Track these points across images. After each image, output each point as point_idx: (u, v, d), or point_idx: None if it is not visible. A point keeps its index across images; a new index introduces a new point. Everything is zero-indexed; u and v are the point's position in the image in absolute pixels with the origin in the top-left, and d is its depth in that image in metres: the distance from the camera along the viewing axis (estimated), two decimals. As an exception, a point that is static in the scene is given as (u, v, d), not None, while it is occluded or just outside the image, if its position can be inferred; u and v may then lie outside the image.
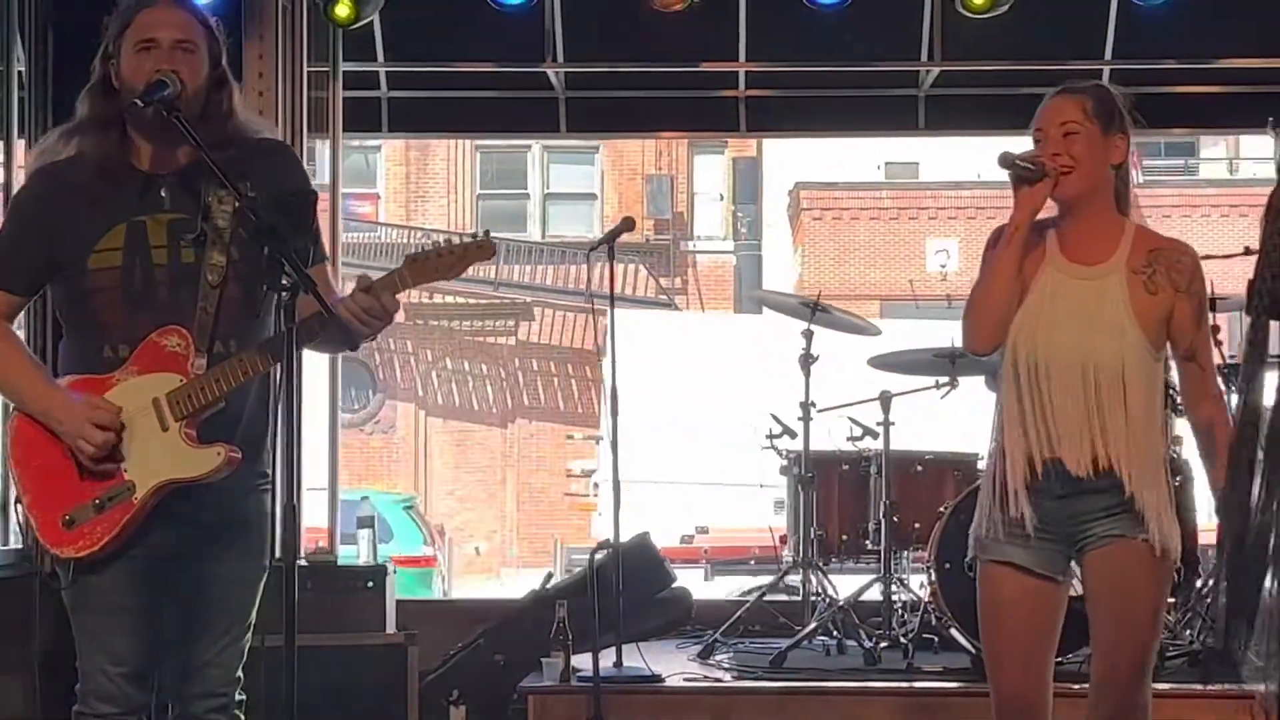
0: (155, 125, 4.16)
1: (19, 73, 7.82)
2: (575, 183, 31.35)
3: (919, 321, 21.97)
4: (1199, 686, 6.98)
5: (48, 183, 4.30)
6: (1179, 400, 4.81)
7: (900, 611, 8.00)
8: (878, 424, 8.11)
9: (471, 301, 29.53)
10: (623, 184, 30.92)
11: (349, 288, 4.38)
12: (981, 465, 8.03)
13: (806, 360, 8.32)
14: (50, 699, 4.92)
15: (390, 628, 7.44)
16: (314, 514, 8.27)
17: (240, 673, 4.35)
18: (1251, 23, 9.74)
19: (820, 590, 8.13)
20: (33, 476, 4.21)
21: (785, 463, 8.43)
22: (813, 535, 8.12)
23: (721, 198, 31.66)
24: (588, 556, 7.36)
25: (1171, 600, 6.58)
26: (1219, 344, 7.44)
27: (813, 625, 7.83)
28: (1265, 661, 3.43)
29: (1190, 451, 5.41)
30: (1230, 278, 6.91)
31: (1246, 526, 3.30)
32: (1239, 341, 7.75)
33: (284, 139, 6.98)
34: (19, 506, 4.28)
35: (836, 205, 30.93)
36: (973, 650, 7.17)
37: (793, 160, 31.21)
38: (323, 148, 9.57)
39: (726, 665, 7.55)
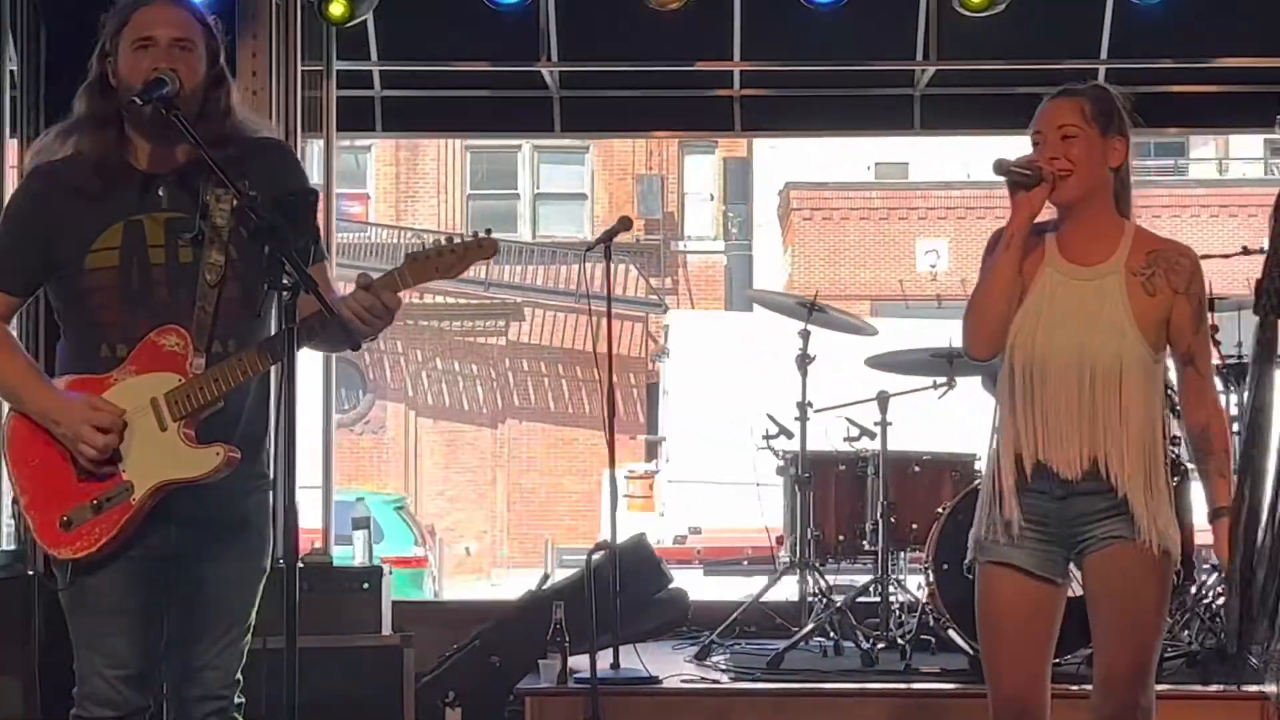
0: (154, 124, 4.13)
1: (10, 72, 7.79)
2: (566, 183, 31.33)
3: (913, 320, 21.98)
4: (1198, 687, 7.00)
5: (44, 182, 4.27)
6: (1177, 401, 4.78)
7: (898, 612, 7.98)
8: (875, 424, 8.09)
9: (462, 302, 29.50)
10: (613, 184, 30.91)
11: (342, 288, 4.35)
12: (979, 466, 8.04)
13: (803, 360, 8.30)
14: (49, 701, 4.90)
15: (386, 629, 7.41)
16: (308, 514, 8.21)
17: (239, 675, 4.32)
18: (1248, 22, 9.76)
19: (818, 591, 8.10)
20: (30, 477, 4.18)
21: (782, 463, 8.41)
22: (809, 536, 8.10)
23: (712, 198, 31.65)
24: (579, 556, 7.34)
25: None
26: (1217, 344, 7.45)
27: (810, 626, 7.81)
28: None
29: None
30: (1223, 276, 6.92)
31: (1259, 528, 3.28)
32: (1237, 341, 7.80)
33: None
34: (15, 507, 4.25)
35: (827, 205, 30.93)
36: (970, 651, 7.16)
37: (783, 160, 31.21)
38: (313, 147, 9.53)
39: (723, 666, 7.53)
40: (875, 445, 8.11)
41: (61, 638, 4.28)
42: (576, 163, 31.13)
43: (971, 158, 28.78)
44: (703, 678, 7.30)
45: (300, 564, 7.00)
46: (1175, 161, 30.99)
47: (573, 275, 29.70)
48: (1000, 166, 4.54)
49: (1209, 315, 5.23)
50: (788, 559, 8.31)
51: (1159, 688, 4.68)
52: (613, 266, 7.16)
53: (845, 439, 8.37)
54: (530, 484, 30.32)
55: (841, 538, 8.21)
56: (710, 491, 19.13)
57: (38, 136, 4.52)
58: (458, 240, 4.20)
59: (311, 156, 9.80)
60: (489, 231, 4.29)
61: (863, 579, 8.28)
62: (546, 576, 8.08)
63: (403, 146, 29.88)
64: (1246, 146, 32.10)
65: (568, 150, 30.76)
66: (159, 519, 4.14)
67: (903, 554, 8.21)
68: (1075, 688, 6.33)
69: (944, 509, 7.51)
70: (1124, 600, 4.50)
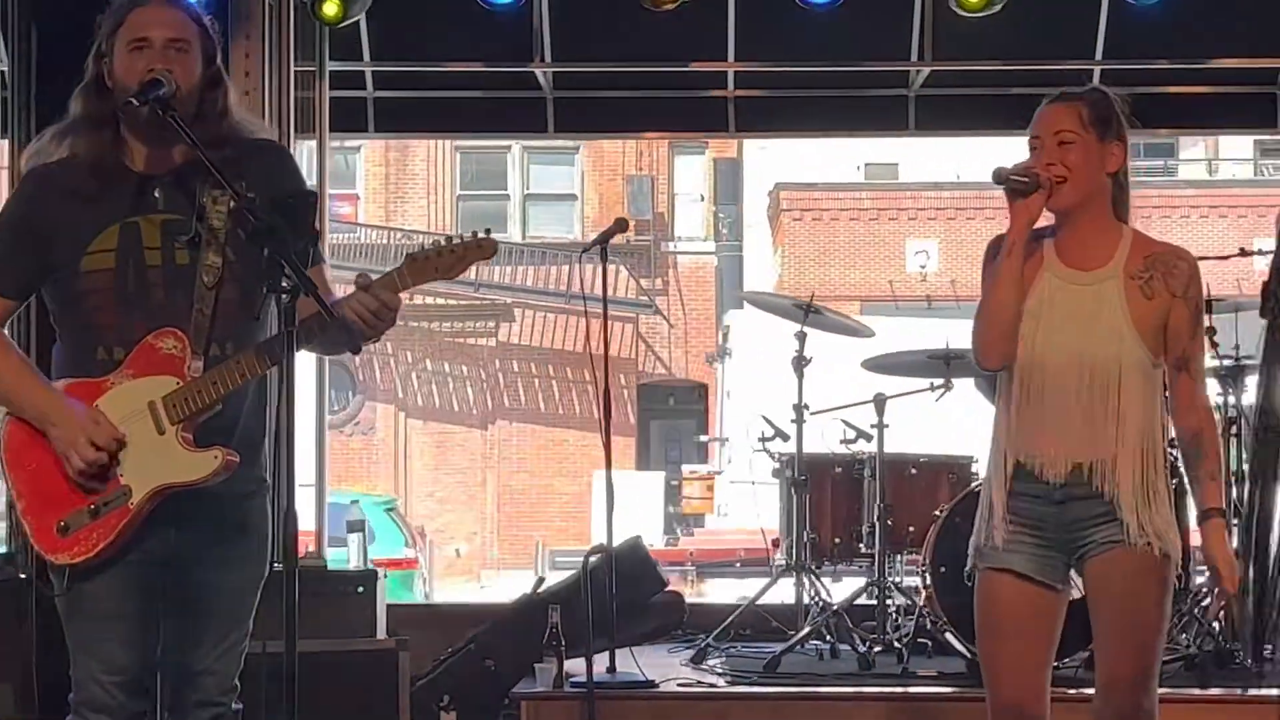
0: (150, 125, 4.11)
1: (1, 72, 7.74)
2: (555, 183, 31.32)
3: (903, 319, 21.97)
4: (1196, 691, 6.99)
5: (40, 185, 4.24)
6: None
7: (894, 616, 7.96)
8: (871, 426, 8.07)
9: (452, 302, 29.48)
10: (603, 184, 30.89)
11: (339, 290, 4.32)
12: (976, 468, 8.02)
13: (799, 362, 8.28)
14: (45, 706, 4.87)
15: (381, 633, 7.37)
16: (301, 517, 8.15)
17: (237, 681, 4.29)
18: (1243, 23, 9.75)
19: (814, 594, 8.08)
20: (26, 481, 4.15)
21: (778, 465, 8.38)
22: (806, 539, 8.07)
23: (702, 198, 31.65)
24: (571, 558, 7.32)
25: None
26: (1215, 345, 7.44)
27: (806, 630, 7.79)
28: None
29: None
30: (1218, 277, 6.90)
31: (1270, 535, 3.27)
32: (1234, 343, 7.79)
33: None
34: (11, 513, 4.21)
35: (816, 206, 30.94)
36: (968, 655, 7.14)
37: (773, 161, 31.20)
38: (303, 148, 9.49)
39: (720, 670, 7.52)
40: (872, 448, 8.08)
41: (58, 642, 4.24)
42: (566, 163, 31.12)
43: (961, 159, 28.80)
44: (699, 681, 7.29)
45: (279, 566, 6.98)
46: (1165, 162, 31.04)
47: (563, 276, 29.68)
48: (999, 175, 4.53)
49: (1206, 317, 5.23)
50: (784, 562, 8.28)
51: (1158, 691, 4.66)
52: (608, 267, 7.12)
53: (842, 441, 8.35)
54: (520, 485, 30.31)
55: (838, 540, 8.19)
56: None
57: (30, 137, 4.49)
58: (457, 240, 4.17)
59: (303, 157, 9.76)
60: (488, 231, 4.26)
61: (859, 582, 8.27)
62: (541, 580, 8.05)
63: (392, 147, 29.87)
64: (1236, 147, 32.14)
65: (558, 151, 30.75)
66: (157, 523, 4.11)
67: (899, 557, 8.18)
68: (1074, 691, 6.32)
69: (941, 512, 7.49)
70: (1125, 604, 4.48)
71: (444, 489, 30.36)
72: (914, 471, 8.09)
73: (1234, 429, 7.79)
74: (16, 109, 7.67)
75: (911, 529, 7.92)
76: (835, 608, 7.92)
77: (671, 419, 31.20)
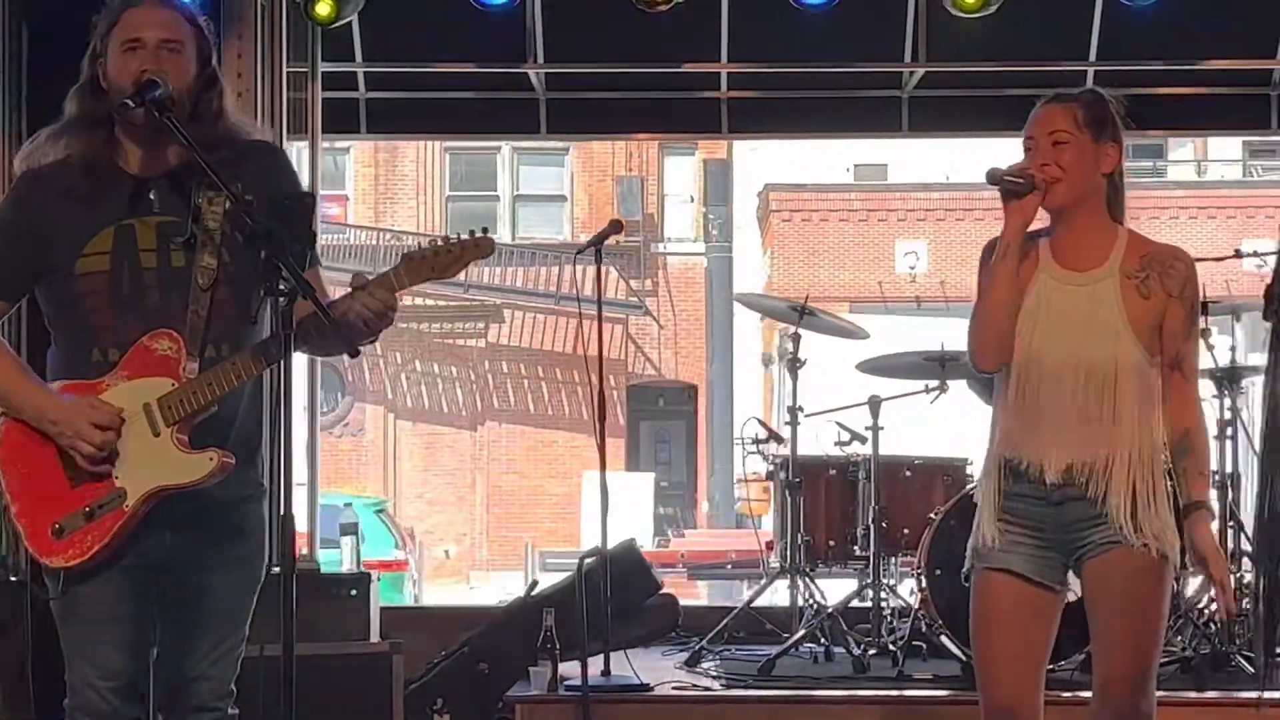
0: (145, 126, 4.08)
1: (-8, 74, 7.71)
2: (545, 184, 31.29)
3: (896, 319, 22.00)
4: (1192, 694, 6.98)
5: (34, 186, 4.22)
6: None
7: (889, 618, 7.94)
8: (866, 428, 8.05)
9: (441, 303, 29.43)
10: (593, 185, 30.87)
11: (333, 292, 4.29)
12: (970, 471, 8.01)
13: (794, 364, 8.25)
14: (40, 711, 4.85)
15: (374, 636, 7.35)
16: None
17: (233, 686, 4.26)
18: (1237, 24, 9.75)
19: (808, 597, 8.06)
20: (21, 484, 4.12)
21: (772, 468, 8.37)
22: (800, 541, 8.05)
23: (692, 199, 31.63)
24: (561, 560, 7.30)
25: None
26: (1210, 347, 7.43)
27: (802, 632, 7.77)
28: None
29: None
30: (1213, 279, 6.88)
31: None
32: (1230, 345, 7.78)
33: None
34: (5, 515, 4.18)
35: (805, 207, 30.94)
36: (963, 658, 7.13)
37: (763, 162, 31.20)
38: (295, 148, 9.46)
39: (714, 673, 7.50)
40: (866, 450, 8.06)
41: (52, 645, 4.22)
42: (556, 164, 31.09)
43: (950, 159, 28.82)
44: (694, 684, 7.27)
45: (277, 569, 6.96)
46: (1154, 164, 31.06)
47: (552, 277, 29.66)
48: (993, 176, 4.52)
49: (1201, 319, 5.21)
50: (778, 564, 8.26)
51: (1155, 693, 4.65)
52: (594, 268, 7.10)
53: (836, 443, 8.33)
54: (510, 486, 30.29)
55: (832, 543, 8.17)
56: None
57: (20, 138, 4.47)
58: (454, 240, 4.15)
59: (295, 159, 9.72)
60: (485, 230, 4.23)
61: (851, 584, 8.26)
62: (535, 583, 8.03)
63: (381, 148, 29.84)
64: (1225, 148, 32.18)
65: (547, 152, 30.73)
66: (153, 526, 4.08)
67: (894, 559, 8.17)
68: (1069, 694, 6.31)
69: (936, 514, 7.48)
70: (1123, 604, 4.47)
71: (433, 490, 30.33)
72: (909, 474, 8.08)
73: (1229, 431, 7.78)
74: (7, 110, 7.64)
75: (906, 531, 7.91)
76: (830, 610, 7.90)
77: (661, 420, 31.19)
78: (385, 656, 7.08)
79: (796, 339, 8.29)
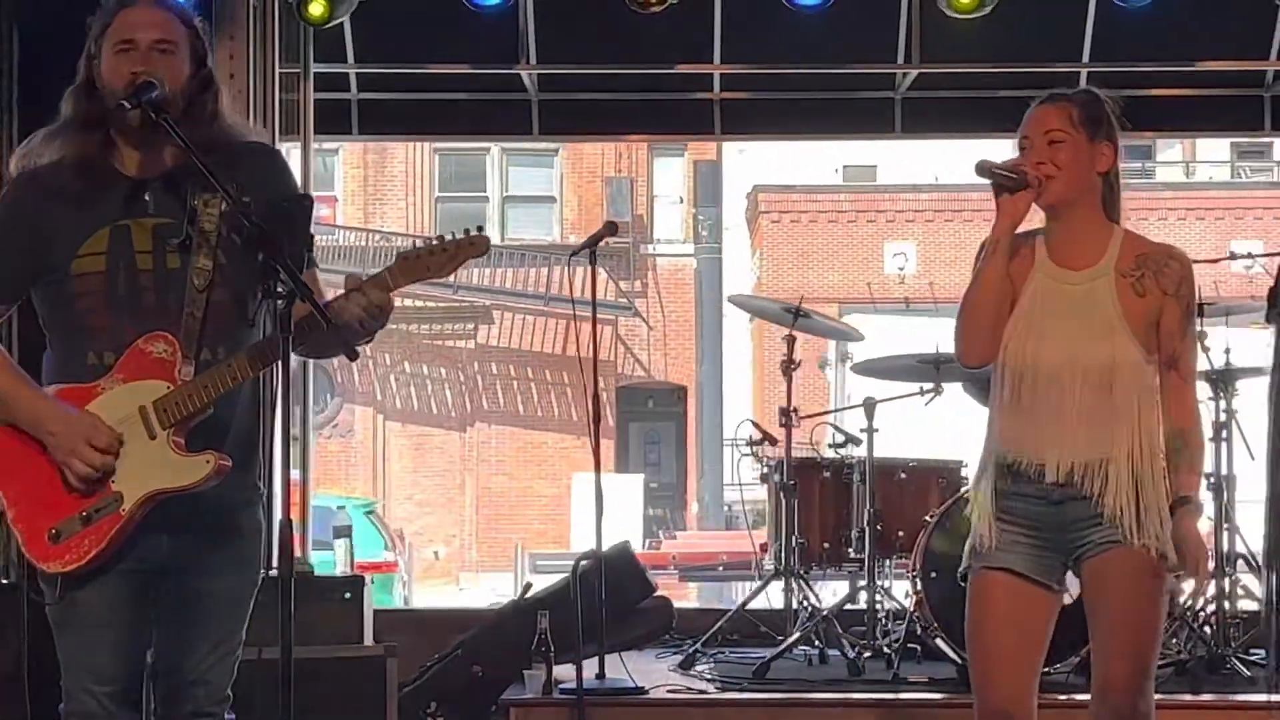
0: (141, 128, 4.06)
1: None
2: (534, 185, 31.26)
3: (885, 320, 22.00)
4: (1188, 696, 6.98)
5: (29, 187, 4.20)
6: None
7: (884, 621, 7.93)
8: (861, 430, 8.04)
9: (430, 304, 29.40)
10: (582, 186, 30.85)
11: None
12: (965, 473, 8.00)
13: (788, 366, 8.24)
14: (35, 716, 4.81)
15: (368, 639, 7.33)
16: (286, 521, 8.10)
17: (230, 691, 4.24)
18: (1231, 25, 9.75)
19: (803, 599, 8.05)
20: (17, 489, 4.10)
21: (766, 469, 8.35)
22: (794, 543, 8.04)
23: (681, 200, 31.61)
24: (552, 561, 7.28)
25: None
26: (1206, 350, 7.42)
27: (796, 635, 7.75)
28: None
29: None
30: (1207, 281, 6.87)
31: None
32: (1225, 347, 7.78)
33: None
34: (1, 520, 4.15)
35: (794, 208, 30.96)
36: (959, 661, 7.13)
37: (752, 163, 31.20)
38: (287, 150, 9.44)
39: (709, 676, 7.49)
40: (861, 452, 8.05)
41: (48, 649, 4.19)
42: (545, 165, 31.06)
43: (939, 161, 28.83)
44: (688, 687, 7.26)
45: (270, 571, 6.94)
46: (1143, 165, 31.08)
47: (541, 278, 29.64)
48: (983, 167, 4.53)
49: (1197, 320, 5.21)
50: (772, 567, 8.25)
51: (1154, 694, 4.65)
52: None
53: (830, 445, 8.32)
54: (499, 488, 30.26)
55: (826, 545, 8.16)
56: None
57: (12, 140, 4.45)
58: (449, 239, 4.13)
59: (287, 160, 9.69)
60: (480, 229, 4.21)
61: (844, 586, 8.24)
62: (529, 585, 8.00)
63: (370, 149, 29.78)
64: (1213, 150, 32.22)
65: (537, 153, 30.69)
66: (150, 529, 4.06)
67: (888, 562, 8.15)
68: (1064, 697, 6.30)
69: (931, 517, 7.47)
70: (1122, 604, 4.46)
71: (422, 491, 30.29)
72: (903, 476, 8.07)
73: (1224, 433, 7.77)
74: (-1, 111, 7.62)
75: (901, 534, 7.90)
76: (825, 613, 7.89)
77: (650, 421, 31.18)
78: (379, 660, 7.05)
79: (791, 341, 8.27)
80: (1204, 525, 4.78)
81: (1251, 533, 7.96)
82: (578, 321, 7.06)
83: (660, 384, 30.97)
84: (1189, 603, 7.51)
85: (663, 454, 31.16)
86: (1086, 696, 4.69)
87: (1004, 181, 4.48)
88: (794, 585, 8.09)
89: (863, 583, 7.94)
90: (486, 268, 29.06)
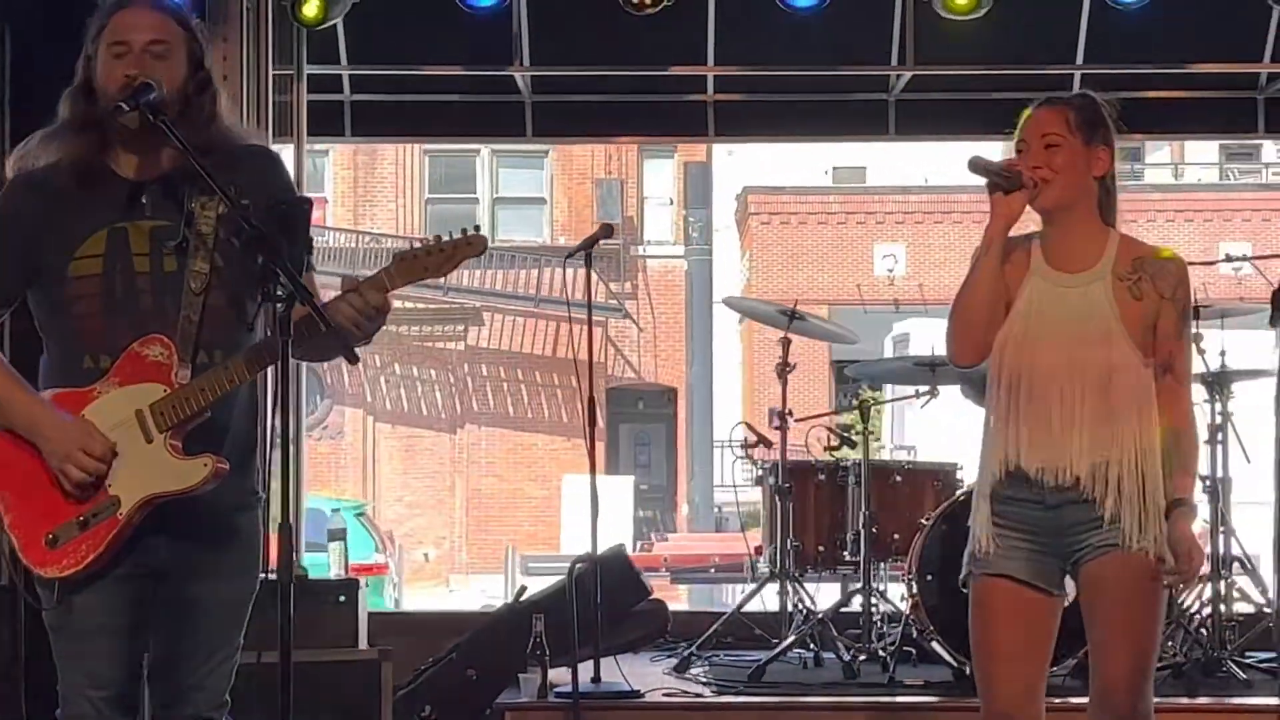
0: (138, 130, 4.04)
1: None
2: (524, 187, 31.23)
3: (873, 318, 21.96)
4: (1184, 700, 6.97)
5: (25, 190, 4.18)
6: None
7: (879, 624, 7.92)
8: (855, 433, 8.03)
9: (420, 306, 29.36)
10: (572, 188, 30.82)
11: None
12: (960, 475, 8.00)
13: (783, 368, 8.22)
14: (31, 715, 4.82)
15: (363, 642, 7.30)
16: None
17: (228, 696, 4.22)
18: (1224, 28, 9.76)
19: (797, 602, 8.04)
20: (13, 494, 4.07)
21: (761, 472, 8.34)
22: (789, 546, 8.03)
23: (671, 202, 31.59)
24: (543, 564, 7.26)
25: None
26: (1201, 352, 7.42)
27: (791, 638, 7.74)
28: None
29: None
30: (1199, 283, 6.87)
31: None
32: (1220, 350, 7.78)
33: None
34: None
35: (784, 210, 30.99)
36: (954, 664, 7.12)
37: (742, 164, 31.21)
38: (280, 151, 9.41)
39: (704, 679, 7.47)
40: (856, 454, 8.04)
41: (44, 651, 4.17)
42: (535, 167, 31.03)
43: (929, 162, 28.85)
44: (684, 691, 7.24)
45: (274, 576, 6.91)
46: (1131, 167, 31.12)
47: (531, 280, 29.62)
48: (977, 165, 4.53)
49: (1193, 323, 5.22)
50: (767, 569, 8.24)
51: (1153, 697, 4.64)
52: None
53: (825, 448, 8.31)
54: (489, 489, 30.22)
55: (821, 548, 8.15)
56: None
57: (4, 141, 4.42)
58: (446, 239, 4.11)
59: (280, 162, 9.67)
60: (477, 228, 4.20)
61: (837, 589, 8.23)
62: (524, 588, 7.98)
63: (360, 150, 29.75)
64: (1201, 152, 32.27)
65: (527, 154, 30.66)
66: (147, 534, 4.04)
67: (884, 564, 8.15)
68: (1059, 700, 6.28)
69: (927, 519, 7.46)
70: (1121, 607, 4.46)
71: (412, 493, 30.26)
72: (898, 479, 8.05)
73: (1219, 436, 7.77)
74: (-11, 111, 7.58)
75: (896, 536, 7.89)
76: (820, 616, 7.87)
77: (641, 423, 31.17)
78: (374, 664, 7.04)
79: (786, 343, 8.26)
80: (1198, 527, 4.76)
81: (1247, 535, 7.97)
82: (573, 324, 7.04)
83: (650, 385, 30.95)
84: (1186, 605, 7.51)
85: (653, 456, 31.15)
86: (1083, 700, 4.69)
87: (998, 180, 4.49)
88: (789, 588, 8.08)
89: (858, 585, 7.92)
90: (476, 269, 29.05)
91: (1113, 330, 4.46)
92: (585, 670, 6.88)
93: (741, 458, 8.51)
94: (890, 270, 30.44)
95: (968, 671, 6.89)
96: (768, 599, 8.27)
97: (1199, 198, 30.76)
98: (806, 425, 8.52)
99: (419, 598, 25.71)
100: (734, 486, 8.90)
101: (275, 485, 3.88)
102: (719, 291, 29.50)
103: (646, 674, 7.52)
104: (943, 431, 8.95)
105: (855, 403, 8.23)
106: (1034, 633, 4.53)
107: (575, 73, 10.30)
